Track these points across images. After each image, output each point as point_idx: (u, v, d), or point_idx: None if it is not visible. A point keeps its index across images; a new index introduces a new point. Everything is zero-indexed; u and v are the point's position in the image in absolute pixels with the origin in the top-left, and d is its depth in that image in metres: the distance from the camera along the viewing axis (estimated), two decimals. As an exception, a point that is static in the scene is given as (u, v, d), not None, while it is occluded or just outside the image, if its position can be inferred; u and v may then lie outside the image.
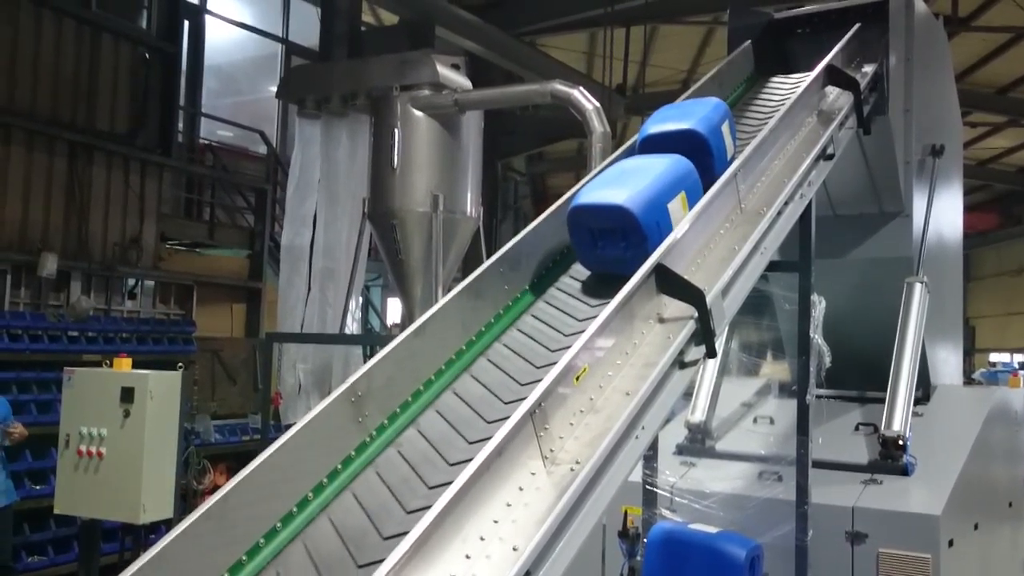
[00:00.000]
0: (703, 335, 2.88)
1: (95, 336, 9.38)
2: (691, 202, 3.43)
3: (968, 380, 18.05)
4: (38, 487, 8.08)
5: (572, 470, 2.29)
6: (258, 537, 2.42)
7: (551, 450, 2.35)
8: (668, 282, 2.90)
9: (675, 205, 3.40)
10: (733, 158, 3.91)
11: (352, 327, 8.71)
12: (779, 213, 3.67)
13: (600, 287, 3.46)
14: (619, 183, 3.46)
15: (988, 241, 27.23)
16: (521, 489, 2.23)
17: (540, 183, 24.64)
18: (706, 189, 3.48)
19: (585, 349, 2.56)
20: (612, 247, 3.37)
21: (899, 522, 4.73)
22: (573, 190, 3.66)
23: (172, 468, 6.67)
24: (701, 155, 3.75)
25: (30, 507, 7.95)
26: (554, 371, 2.44)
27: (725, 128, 3.98)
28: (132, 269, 11.08)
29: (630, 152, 4.05)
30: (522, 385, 3.02)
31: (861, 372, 5.72)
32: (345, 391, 2.72)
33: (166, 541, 2.22)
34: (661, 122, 4.00)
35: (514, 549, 2.06)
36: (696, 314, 2.85)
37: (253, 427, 10.19)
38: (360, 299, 9.37)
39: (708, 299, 2.86)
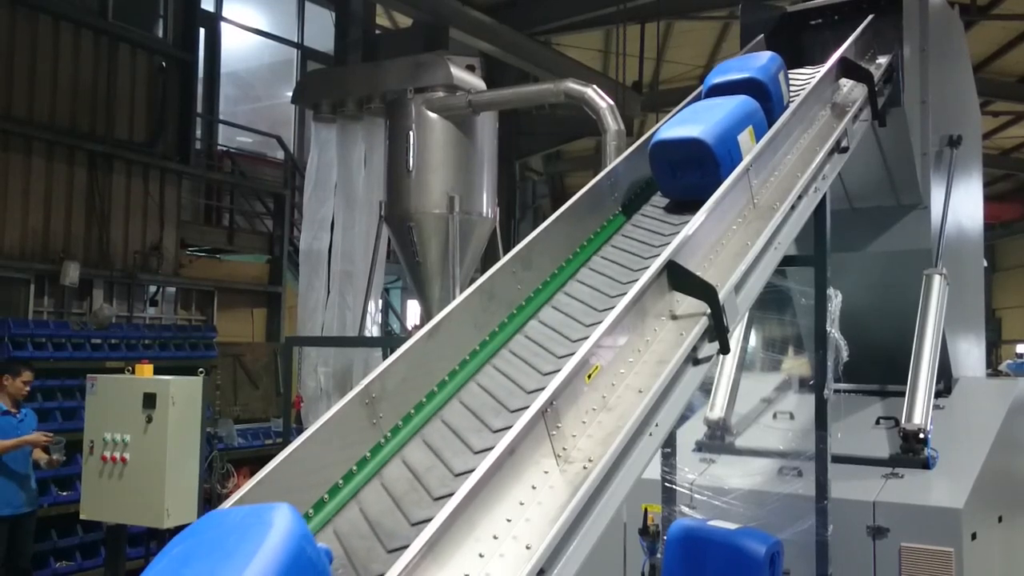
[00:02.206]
0: (716, 331, 2.87)
1: (118, 343, 9.46)
2: (757, 136, 3.87)
3: (995, 372, 17.87)
4: (64, 493, 8.16)
5: (585, 468, 2.29)
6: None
7: (564, 448, 2.35)
8: (680, 279, 2.89)
9: (744, 137, 3.85)
10: (788, 103, 4.30)
11: (372, 329, 8.74)
12: (793, 207, 3.65)
13: (680, 209, 3.91)
14: (693, 120, 3.92)
15: (1013, 231, 26.92)
16: (534, 487, 2.24)
17: (559, 182, 24.62)
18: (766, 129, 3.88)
19: (597, 347, 2.56)
20: (690, 175, 3.81)
21: (921, 516, 4.69)
22: (651, 131, 4.13)
23: (195, 472, 6.72)
24: (761, 100, 4.15)
25: (57, 513, 8.04)
26: (565, 370, 2.44)
27: (781, 77, 4.44)
28: (153, 276, 11.18)
29: (697, 99, 4.47)
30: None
31: (881, 366, 5.68)
32: (359, 393, 2.72)
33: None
34: (724, 73, 4.47)
35: (527, 547, 2.06)
36: (709, 310, 2.85)
37: (276, 431, 10.24)
38: (380, 301, 9.41)
39: (721, 295, 2.85)
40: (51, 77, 10.21)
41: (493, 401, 2.96)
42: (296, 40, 15.16)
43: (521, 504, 2.18)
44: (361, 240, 8.76)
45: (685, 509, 4.84)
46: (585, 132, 17.03)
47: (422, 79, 7.82)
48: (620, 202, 4.06)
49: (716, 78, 4.45)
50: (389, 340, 10.29)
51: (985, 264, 7.68)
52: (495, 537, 2.09)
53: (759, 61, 4.46)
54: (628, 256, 3.73)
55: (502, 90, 8.42)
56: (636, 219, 4.01)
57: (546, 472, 2.28)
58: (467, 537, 2.06)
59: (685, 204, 3.86)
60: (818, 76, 4.44)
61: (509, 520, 2.14)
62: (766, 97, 4.20)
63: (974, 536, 4.68)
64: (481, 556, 2.04)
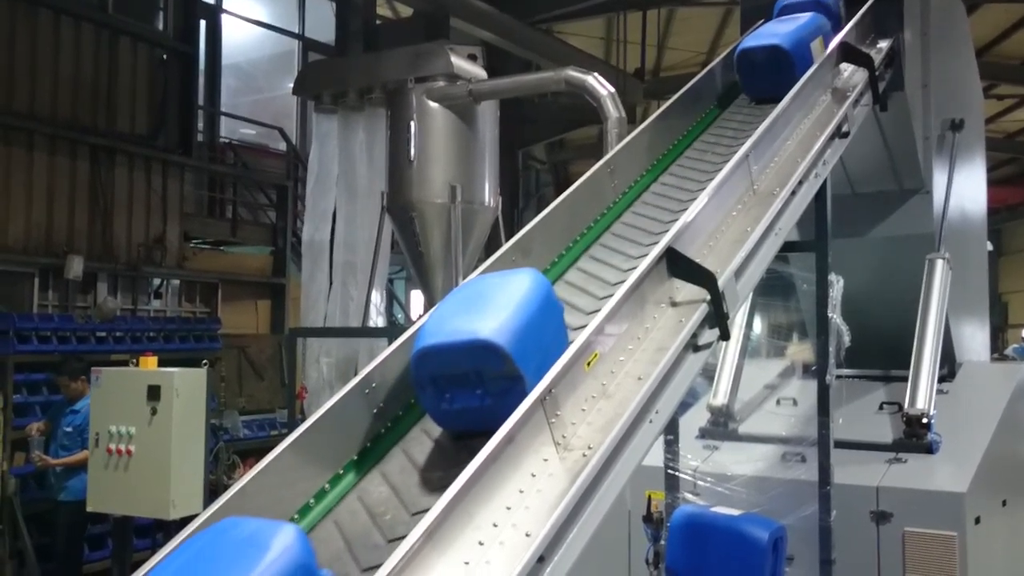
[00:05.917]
0: (716, 318, 2.86)
1: (122, 336, 9.48)
2: (825, 44, 4.57)
3: (1000, 356, 17.83)
4: (71, 486, 8.19)
5: (584, 455, 2.29)
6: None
7: (563, 436, 2.35)
8: (679, 266, 2.89)
9: (815, 44, 4.58)
10: (844, 23, 4.94)
11: (377, 320, 8.74)
12: (793, 193, 3.63)
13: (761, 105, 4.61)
14: (772, 31, 4.67)
15: (1019, 215, 26.78)
16: (533, 475, 2.23)
17: (562, 171, 24.58)
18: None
19: (596, 335, 2.56)
20: (769, 76, 4.51)
21: (924, 501, 4.69)
22: (735, 44, 4.90)
23: (201, 464, 6.73)
24: (827, 16, 4.88)
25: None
26: (564, 357, 2.43)
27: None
28: (157, 269, 11.21)
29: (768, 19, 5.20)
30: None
31: (885, 351, 5.67)
32: (359, 383, 2.72)
33: (178, 539, 2.22)
34: None
35: (527, 535, 2.06)
36: (708, 297, 2.84)
37: (281, 421, 10.27)
38: (384, 292, 9.40)
39: (720, 282, 2.84)
40: (52, 71, 10.22)
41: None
42: (297, 31, 15.14)
43: (520, 492, 2.18)
44: (363, 231, 8.75)
45: (688, 496, 4.84)
46: (588, 120, 16.95)
47: (423, 69, 7.79)
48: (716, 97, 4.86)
49: (785, 1, 5.15)
50: (393, 330, 10.30)
51: (991, 248, 7.66)
52: (495, 525, 2.09)
53: None
54: (728, 138, 4.39)
55: (503, 79, 8.39)
56: (727, 114, 4.76)
57: (545, 460, 2.28)
58: (466, 526, 2.05)
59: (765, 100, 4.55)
60: (818, 61, 4.42)
61: (508, 508, 2.13)
62: (831, 14, 4.93)
63: (978, 520, 4.68)
64: (481, 544, 2.04)
